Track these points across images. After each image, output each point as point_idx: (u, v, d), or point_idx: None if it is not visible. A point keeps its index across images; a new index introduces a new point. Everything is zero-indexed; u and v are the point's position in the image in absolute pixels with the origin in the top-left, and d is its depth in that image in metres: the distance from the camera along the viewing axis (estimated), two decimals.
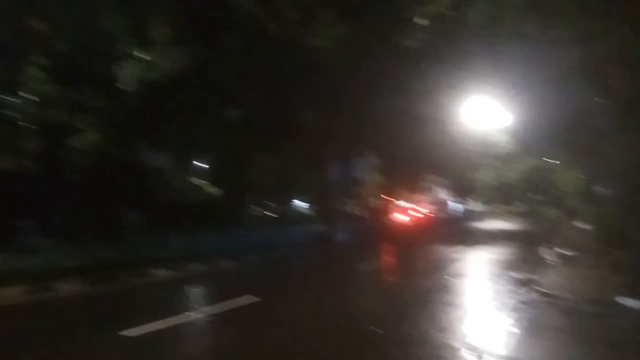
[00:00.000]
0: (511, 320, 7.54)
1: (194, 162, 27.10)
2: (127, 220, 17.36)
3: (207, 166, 26.91)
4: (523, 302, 8.86)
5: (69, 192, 16.23)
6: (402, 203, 47.51)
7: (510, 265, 14.70)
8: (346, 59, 17.59)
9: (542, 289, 9.93)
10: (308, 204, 42.38)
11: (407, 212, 44.38)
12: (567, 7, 7.23)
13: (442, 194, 53.67)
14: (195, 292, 10.95)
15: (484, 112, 29.47)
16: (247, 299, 9.16)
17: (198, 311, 8.39)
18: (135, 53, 12.59)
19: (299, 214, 41.02)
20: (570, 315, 7.88)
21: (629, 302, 8.25)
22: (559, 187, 55.80)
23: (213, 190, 27.87)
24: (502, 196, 73.69)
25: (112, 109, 14.41)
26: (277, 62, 17.76)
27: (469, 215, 60.84)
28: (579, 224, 31.22)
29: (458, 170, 42.91)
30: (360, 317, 8.05)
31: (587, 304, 8.61)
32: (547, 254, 17.15)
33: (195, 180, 30.58)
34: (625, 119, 12.18)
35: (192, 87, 16.65)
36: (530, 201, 78.89)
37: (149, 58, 12.38)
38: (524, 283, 10.97)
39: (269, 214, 34.38)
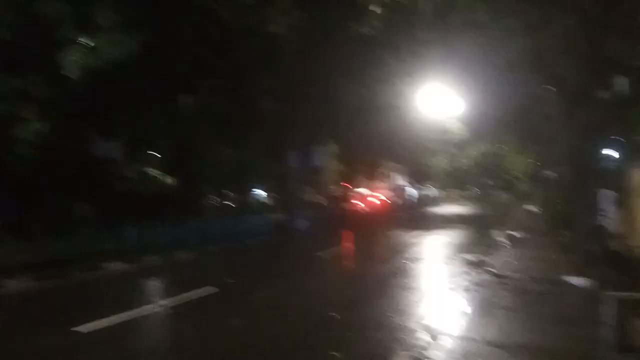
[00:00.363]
0: (464, 301, 7.80)
1: (148, 151, 26.34)
2: (78, 213, 16.70)
3: (162, 155, 26.25)
4: (476, 283, 9.19)
5: (16, 184, 15.45)
6: (361, 190, 48.07)
7: (464, 248, 15.20)
8: (303, 46, 17.47)
9: (493, 270, 10.33)
10: (268, 193, 42.17)
11: (366, 199, 44.97)
12: None
13: (400, 180, 54.67)
14: (152, 285, 10.71)
15: (439, 100, 30.13)
16: (205, 291, 9.05)
17: (154, 304, 8.21)
18: (81, 39, 11.98)
19: (258, 203, 40.74)
20: (520, 294, 8.24)
21: (576, 281, 8.70)
22: (510, 171, 58.03)
23: (169, 180, 27.25)
24: (457, 181, 75.96)
25: (59, 98, 13.72)
26: (233, 49, 17.42)
27: (426, 200, 62.28)
28: (529, 207, 32.57)
29: (415, 157, 43.80)
30: (319, 304, 8.12)
31: (536, 283, 9.02)
32: (499, 237, 17.83)
33: (150, 170, 29.75)
34: (571, 105, 12.74)
35: (144, 75, 16.08)
36: (483, 185, 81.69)
37: (94, 44, 11.79)
38: (476, 265, 11.37)
39: (228, 203, 33.97)
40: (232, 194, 34.12)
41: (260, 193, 45.56)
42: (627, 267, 9.15)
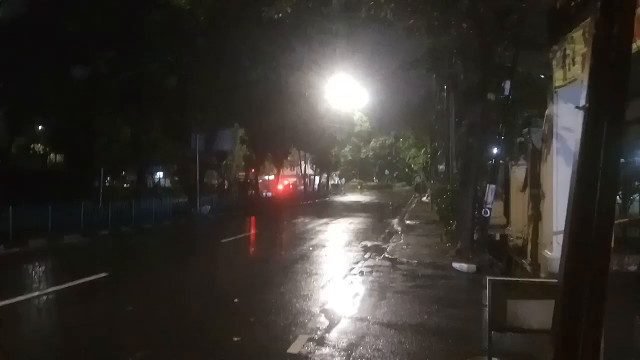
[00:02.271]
0: (361, 285, 8.18)
1: (34, 124, 23.96)
2: None
3: (50, 130, 24.01)
4: (372, 268, 9.67)
5: None
6: (268, 176, 47.98)
7: (364, 235, 15.87)
8: (211, 24, 16.88)
9: (388, 256, 10.93)
10: (169, 176, 40.42)
11: (273, 185, 45.01)
12: None
13: (307, 169, 55.44)
14: (36, 269, 9.83)
15: (345, 91, 30.91)
16: (95, 275, 8.49)
17: (39, 289, 7.57)
18: None
19: (159, 186, 38.95)
20: (410, 278, 8.82)
21: (462, 267, 9.51)
22: (408, 164, 61.47)
23: (57, 157, 25.05)
24: (359, 171, 78.83)
25: None
26: (134, 19, 16.33)
27: (331, 189, 63.88)
28: (423, 198, 34.77)
29: (321, 146, 44.56)
30: (222, 290, 8.02)
31: (425, 268, 9.72)
32: (395, 225, 18.88)
33: (35, 146, 27.02)
34: (463, 105, 13.77)
35: (32, 39, 14.50)
36: (383, 177, 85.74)
37: None
38: (374, 251, 11.96)
39: (125, 185, 32.06)
40: (130, 176, 32.22)
41: (160, 176, 43.54)
42: (504, 254, 10.20)
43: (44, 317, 6.67)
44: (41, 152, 27.08)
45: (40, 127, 26.14)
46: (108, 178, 26.01)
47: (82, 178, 20.17)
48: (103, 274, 8.69)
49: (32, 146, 27.64)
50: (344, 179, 79.08)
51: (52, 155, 27.31)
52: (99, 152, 19.92)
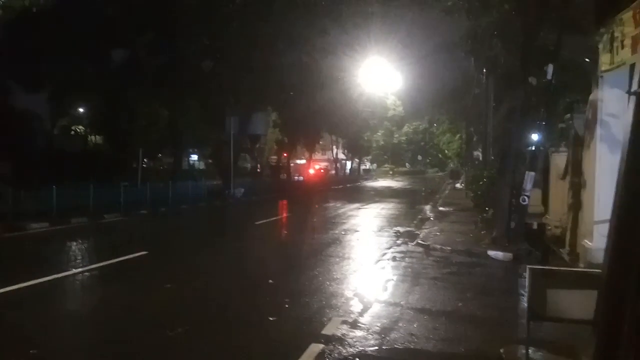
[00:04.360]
0: (394, 270, 8.19)
1: (75, 106, 24.75)
2: None
3: (91, 112, 24.76)
4: (405, 254, 9.65)
5: None
6: (300, 160, 48.21)
7: (396, 220, 15.81)
8: (246, 6, 16.93)
9: (421, 242, 10.87)
10: (204, 159, 41.14)
11: (304, 169, 45.26)
12: None
13: (339, 153, 55.39)
14: (79, 246, 10.26)
15: (378, 75, 30.55)
16: (134, 254, 8.81)
17: (81, 266, 7.92)
18: None
19: (194, 168, 39.77)
20: (444, 265, 8.75)
21: (497, 255, 9.36)
22: (441, 149, 60.47)
23: (97, 138, 25.84)
24: (392, 156, 78.18)
25: None
26: (171, 2, 16.55)
27: (362, 174, 63.69)
28: (458, 184, 34.22)
29: (354, 131, 44.37)
30: (257, 271, 8.18)
31: (459, 255, 9.61)
32: (428, 211, 18.70)
33: (76, 127, 27.92)
34: (502, 89, 13.39)
35: (74, 22, 14.91)
36: (416, 162, 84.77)
37: None
38: (406, 236, 11.91)
39: (162, 166, 32.87)
40: (167, 158, 33.00)
41: (195, 158, 44.35)
42: (541, 243, 9.96)
43: (87, 292, 6.97)
44: (82, 134, 28.04)
45: (81, 110, 27.04)
46: (145, 160, 26.76)
47: (121, 159, 20.83)
48: (143, 252, 8.99)
49: (73, 128, 28.64)
50: (375, 164, 78.59)
51: (92, 137, 28.24)
52: (137, 134, 20.47)
